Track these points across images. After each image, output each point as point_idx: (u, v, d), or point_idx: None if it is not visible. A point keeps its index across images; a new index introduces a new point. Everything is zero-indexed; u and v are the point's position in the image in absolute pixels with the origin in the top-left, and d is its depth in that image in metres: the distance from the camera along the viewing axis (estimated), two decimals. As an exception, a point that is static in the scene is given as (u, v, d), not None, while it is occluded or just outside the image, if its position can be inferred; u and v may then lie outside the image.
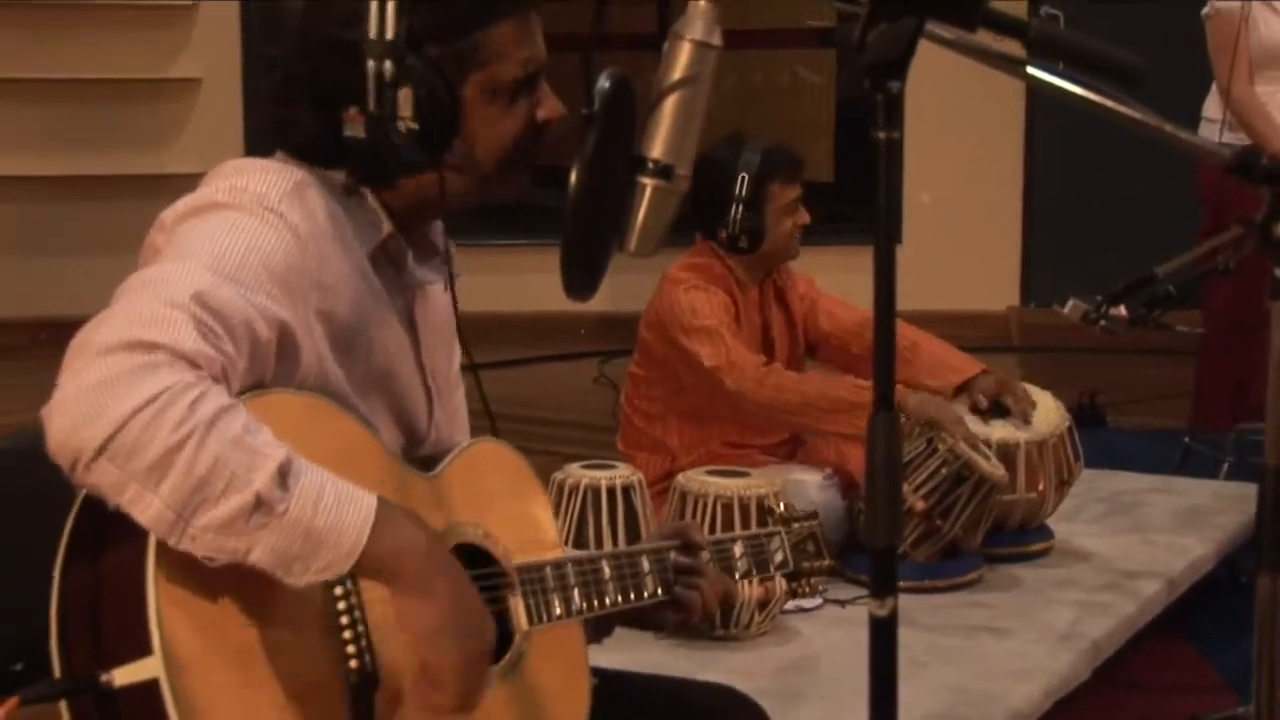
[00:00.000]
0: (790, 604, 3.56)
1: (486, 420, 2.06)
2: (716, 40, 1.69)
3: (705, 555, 2.15)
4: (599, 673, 2.03)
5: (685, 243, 4.10)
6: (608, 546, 3.33)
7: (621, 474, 3.56)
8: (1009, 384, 4.13)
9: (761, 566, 2.29)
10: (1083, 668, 3.45)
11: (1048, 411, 4.14)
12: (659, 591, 2.08)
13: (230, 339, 1.64)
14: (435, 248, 2.02)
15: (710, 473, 3.60)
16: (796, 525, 2.36)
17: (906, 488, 3.68)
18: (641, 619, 2.12)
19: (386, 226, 1.90)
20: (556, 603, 1.95)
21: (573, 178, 1.71)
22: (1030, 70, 1.68)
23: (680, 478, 3.61)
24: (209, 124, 7.96)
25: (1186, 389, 5.59)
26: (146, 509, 1.56)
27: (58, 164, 7.85)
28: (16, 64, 7.74)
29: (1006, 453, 3.98)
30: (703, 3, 1.68)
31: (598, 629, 2.10)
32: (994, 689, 3.24)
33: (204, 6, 7.96)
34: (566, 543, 3.37)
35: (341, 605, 1.70)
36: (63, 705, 1.64)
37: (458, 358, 2.13)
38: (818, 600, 3.65)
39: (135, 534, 1.59)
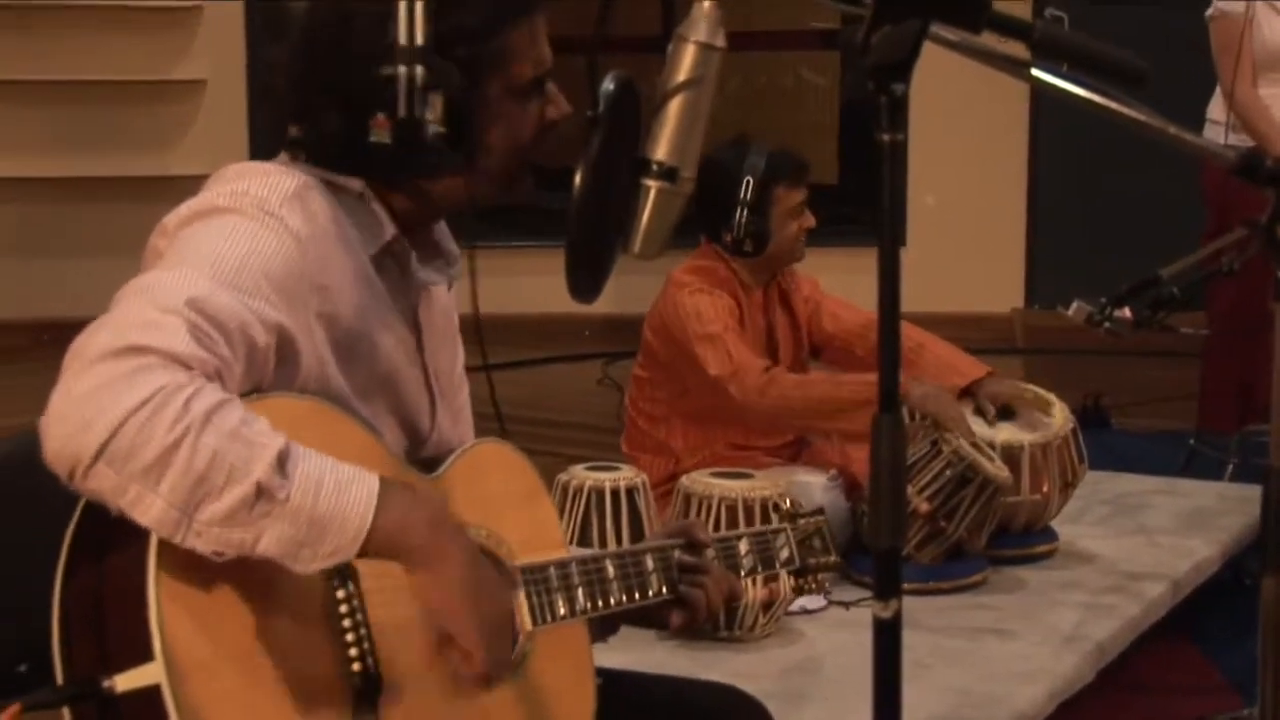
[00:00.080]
0: (795, 605, 3.56)
1: (492, 421, 2.06)
2: (720, 42, 1.69)
3: (710, 553, 2.15)
4: (602, 672, 2.03)
5: (689, 245, 4.10)
6: (611, 548, 3.33)
7: (625, 476, 3.56)
8: (1018, 395, 4.12)
9: (767, 563, 2.29)
10: (1087, 670, 3.44)
11: (1052, 413, 4.15)
12: (664, 590, 2.08)
13: (226, 343, 1.64)
14: (439, 249, 2.02)
15: (714, 474, 3.60)
16: (802, 521, 2.36)
17: (911, 490, 3.68)
18: (646, 618, 2.12)
19: (390, 229, 1.90)
20: (561, 602, 1.95)
21: (577, 180, 1.71)
22: (1034, 72, 1.68)
23: (684, 479, 3.61)
24: (213, 126, 7.96)
25: (1191, 391, 5.59)
26: (149, 509, 1.56)
27: (62, 165, 7.85)
28: (20, 65, 7.75)
29: (1011, 455, 3.98)
30: (706, 5, 1.68)
31: (603, 627, 2.10)
32: (998, 691, 3.24)
33: (209, 8, 7.96)
34: (571, 544, 3.37)
35: (344, 608, 1.71)
36: (65, 711, 1.64)
37: (461, 358, 2.13)
38: (822, 602, 3.65)
39: (136, 539, 1.60)
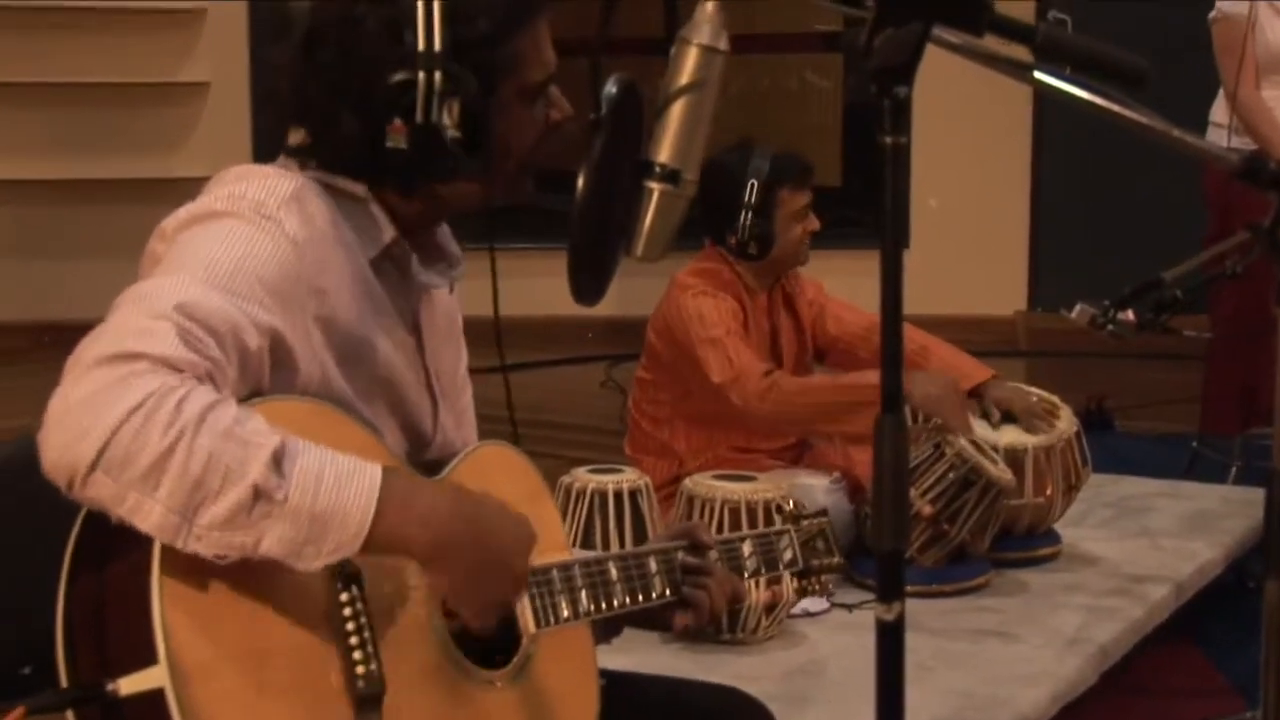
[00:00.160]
0: (797, 608, 3.56)
1: (500, 424, 2.06)
2: (723, 45, 1.69)
3: (713, 555, 2.15)
4: (605, 674, 2.03)
5: (693, 247, 4.10)
6: (614, 550, 3.33)
7: (628, 478, 3.57)
8: (1024, 401, 4.11)
9: (771, 565, 2.29)
10: (1090, 673, 3.44)
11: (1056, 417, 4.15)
12: (667, 592, 2.08)
13: (217, 345, 1.64)
14: (442, 251, 2.02)
15: (717, 477, 3.60)
16: (805, 523, 2.36)
17: (913, 492, 3.68)
18: (650, 619, 2.12)
19: (390, 232, 1.90)
20: (564, 605, 1.95)
21: (580, 182, 1.71)
22: (1037, 75, 1.68)
23: (687, 482, 3.61)
24: (216, 128, 7.97)
25: (1194, 394, 5.58)
26: (149, 516, 1.56)
27: (64, 167, 7.86)
28: (24, 67, 7.75)
29: (1014, 457, 3.98)
30: (710, 7, 1.68)
31: (606, 629, 2.10)
32: (1001, 694, 3.24)
33: (212, 11, 7.97)
34: (574, 546, 3.37)
35: (348, 611, 1.71)
36: (69, 714, 1.64)
37: (464, 359, 2.13)
38: (825, 604, 3.65)
39: (139, 543, 1.59)
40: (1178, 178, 5.29)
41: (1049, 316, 7.62)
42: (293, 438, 1.62)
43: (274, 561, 1.61)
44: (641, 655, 3.13)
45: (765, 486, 3.52)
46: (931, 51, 1.50)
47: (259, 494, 1.58)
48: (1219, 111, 5.25)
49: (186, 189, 1.85)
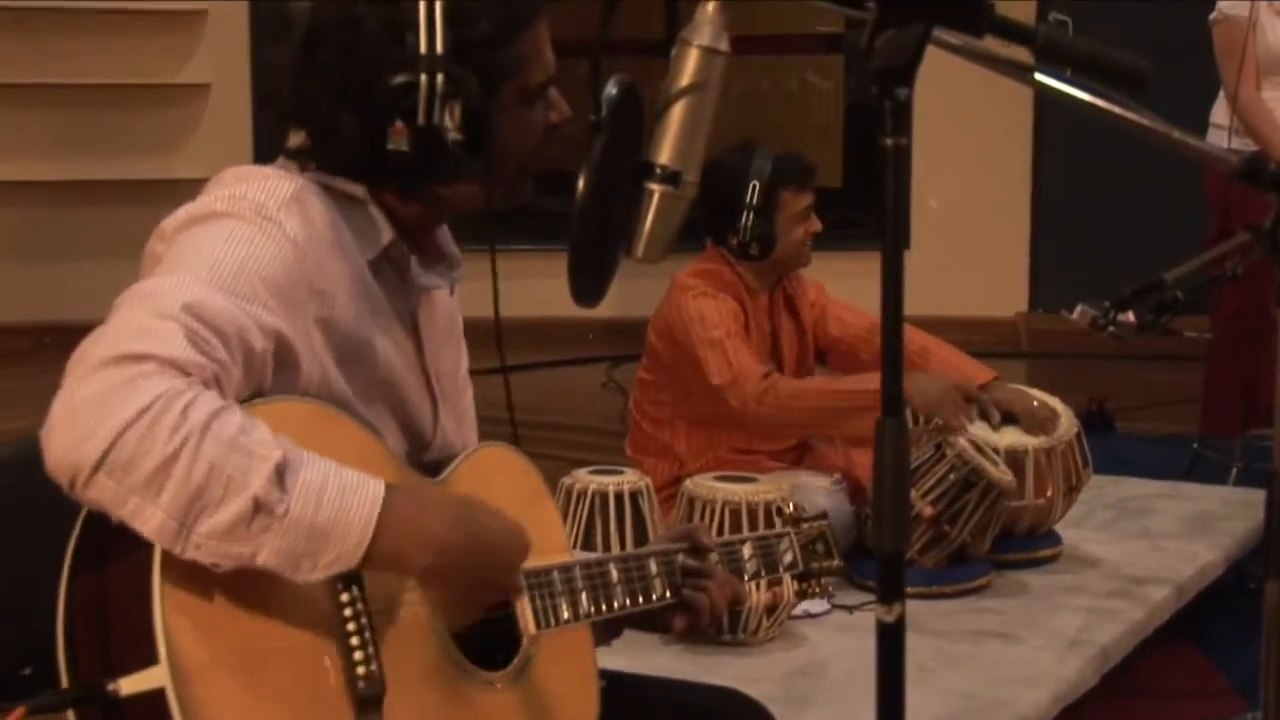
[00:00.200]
0: (798, 609, 3.56)
1: (501, 425, 2.06)
2: (724, 46, 1.68)
3: (713, 557, 2.15)
4: (605, 675, 2.03)
5: (694, 249, 4.10)
6: (615, 552, 3.33)
7: (629, 479, 3.57)
8: (1025, 403, 4.11)
9: (771, 567, 2.29)
10: (1091, 674, 3.44)
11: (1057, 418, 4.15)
12: (667, 594, 2.08)
13: (224, 347, 1.64)
14: (442, 253, 2.02)
15: (718, 478, 3.60)
16: (806, 525, 2.36)
17: (914, 493, 3.68)
18: (650, 621, 2.12)
19: (388, 234, 1.90)
20: (564, 606, 1.95)
21: (580, 184, 1.71)
22: (1038, 76, 1.68)
23: (688, 483, 3.61)
24: (217, 129, 7.96)
25: (1195, 395, 5.59)
26: (149, 521, 1.56)
27: (67, 169, 7.86)
28: (25, 69, 7.75)
29: (1015, 459, 3.98)
30: (710, 9, 1.68)
31: (606, 630, 2.10)
32: (1002, 695, 3.24)
33: (213, 12, 7.96)
34: (574, 548, 3.37)
35: (348, 611, 1.70)
36: (70, 714, 1.64)
37: (465, 361, 2.13)
38: (826, 605, 3.65)
39: (141, 543, 1.59)
40: (1179, 179, 5.29)
41: (1050, 318, 7.61)
42: (296, 449, 1.62)
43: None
44: (642, 656, 3.13)
45: (766, 488, 3.52)
46: (932, 53, 1.50)
47: (259, 507, 1.58)
48: (1219, 113, 5.25)
49: (187, 190, 1.85)
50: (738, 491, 3.49)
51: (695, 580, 2.11)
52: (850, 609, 3.66)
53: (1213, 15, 5.19)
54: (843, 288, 4.39)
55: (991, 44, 1.58)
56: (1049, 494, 4.06)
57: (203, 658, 1.61)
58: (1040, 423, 4.09)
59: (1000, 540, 3.95)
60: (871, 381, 3.61)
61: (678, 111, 1.68)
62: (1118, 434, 6.18)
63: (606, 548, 3.42)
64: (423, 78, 1.79)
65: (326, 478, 1.63)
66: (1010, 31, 1.55)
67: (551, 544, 1.99)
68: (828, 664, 3.40)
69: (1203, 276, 3.73)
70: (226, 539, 1.58)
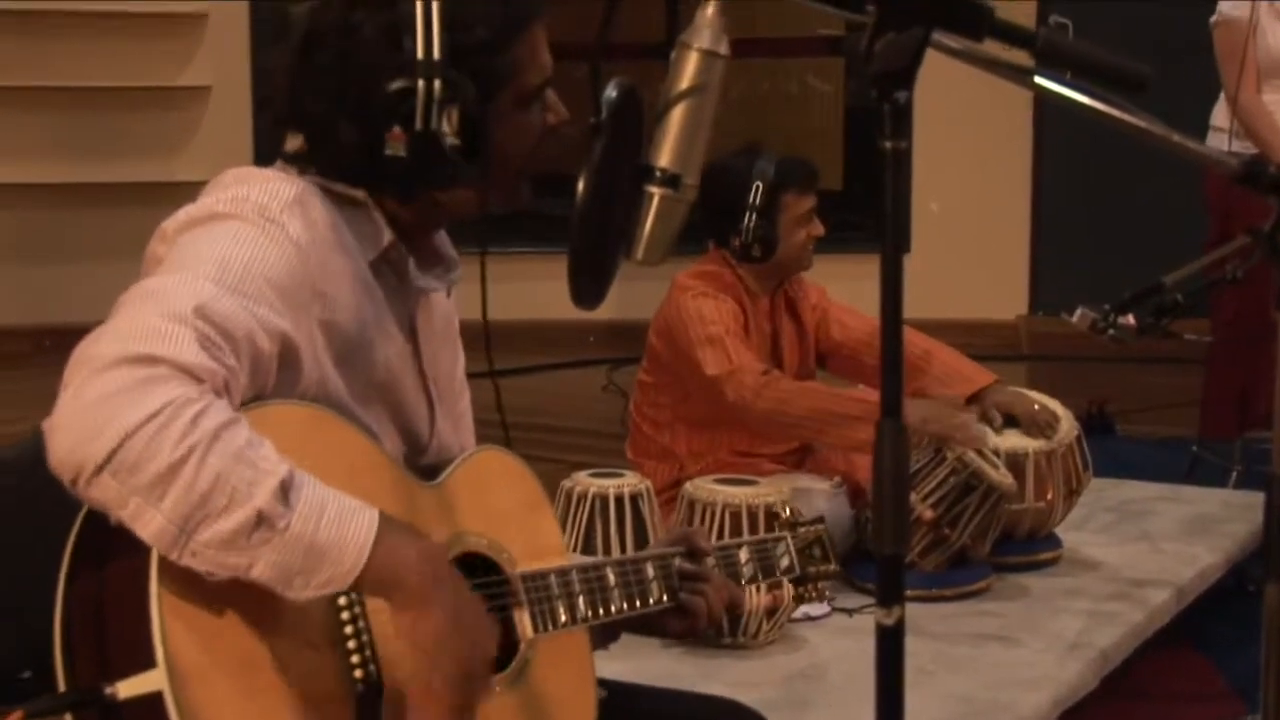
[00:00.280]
0: (798, 612, 3.56)
1: (497, 429, 2.06)
2: (724, 49, 1.68)
3: (710, 561, 2.15)
4: (602, 683, 2.03)
5: (695, 252, 4.10)
6: (615, 555, 3.33)
7: (629, 482, 3.57)
8: (1025, 406, 4.11)
9: (768, 571, 2.29)
10: (1091, 677, 3.44)
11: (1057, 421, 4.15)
12: (664, 598, 2.08)
13: (233, 352, 1.64)
14: (439, 255, 2.02)
15: (718, 481, 3.59)
16: (803, 530, 2.36)
17: (915, 496, 3.68)
18: (648, 624, 2.12)
19: (388, 236, 1.89)
20: (561, 610, 1.95)
21: (580, 187, 1.71)
22: (1038, 80, 1.68)
23: (688, 486, 3.61)
24: (218, 132, 7.97)
25: (1195, 398, 5.59)
26: (149, 524, 1.56)
27: (67, 171, 7.86)
28: (26, 71, 7.76)
29: (1015, 462, 3.98)
30: (710, 12, 1.68)
31: (604, 634, 2.10)
32: (1002, 698, 3.24)
33: (214, 14, 7.97)
34: (575, 551, 3.37)
35: (346, 615, 1.70)
36: (67, 718, 1.64)
37: (462, 363, 2.13)
38: (825, 609, 3.65)
39: (138, 546, 1.59)
40: (1179, 182, 5.28)
41: (1050, 320, 7.62)
42: (300, 470, 1.62)
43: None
44: (642, 661, 3.13)
45: (766, 491, 3.52)
46: (932, 55, 1.50)
47: (262, 519, 1.58)
48: (1220, 115, 5.25)
49: (188, 193, 1.84)
50: (738, 494, 3.49)
51: (692, 584, 2.11)
52: (850, 612, 3.66)
53: (1213, 18, 5.19)
54: (842, 291, 4.39)
55: (991, 47, 1.58)
56: (1049, 497, 4.06)
57: (200, 660, 1.61)
58: (1040, 426, 4.09)
59: (1000, 543, 3.95)
60: (872, 394, 3.61)
61: (677, 115, 1.68)
62: (1118, 437, 6.18)
63: (607, 551, 3.42)
64: (420, 83, 1.79)
65: (326, 502, 1.63)
66: (1010, 35, 1.55)
67: (548, 548, 1.99)
68: (827, 667, 3.40)
69: (1203, 279, 3.74)
70: (225, 549, 1.58)
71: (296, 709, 1.67)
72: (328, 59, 1.82)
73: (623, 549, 3.42)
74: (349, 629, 1.70)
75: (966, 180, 8.17)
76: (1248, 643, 3.77)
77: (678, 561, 2.11)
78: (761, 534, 2.47)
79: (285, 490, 1.59)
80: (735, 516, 3.45)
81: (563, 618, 1.95)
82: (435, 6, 1.79)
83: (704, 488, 3.55)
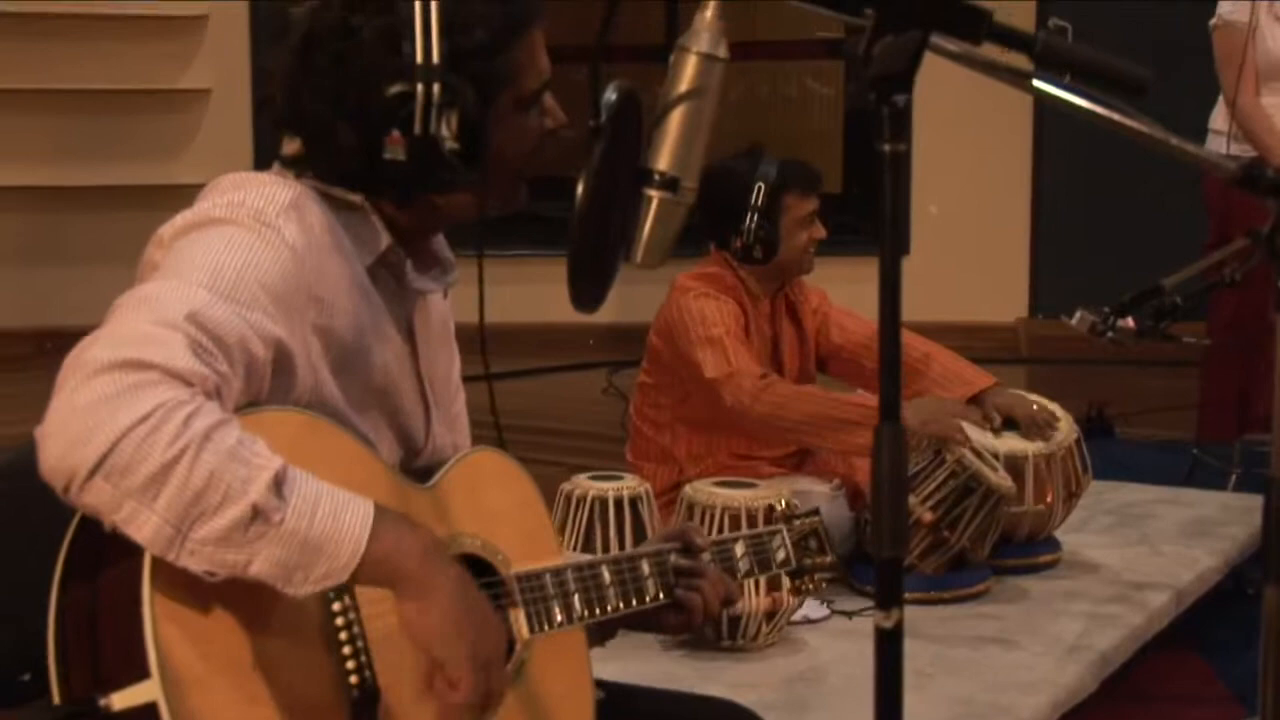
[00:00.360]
0: (797, 615, 3.56)
1: (492, 431, 2.06)
2: (723, 52, 1.68)
3: (706, 556, 2.15)
4: (600, 685, 2.03)
5: (696, 254, 4.10)
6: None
7: (629, 485, 3.57)
8: (1025, 408, 4.11)
9: (764, 565, 2.28)
10: (1090, 679, 3.44)
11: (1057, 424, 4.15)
12: (660, 595, 2.08)
13: (225, 358, 1.64)
14: (436, 257, 2.02)
15: (718, 484, 3.60)
16: (798, 522, 2.36)
17: (914, 499, 3.68)
18: (644, 621, 2.12)
19: (385, 239, 1.90)
20: (557, 610, 1.95)
21: (579, 189, 1.71)
22: (1036, 83, 1.68)
23: (688, 488, 3.61)
24: (218, 135, 7.97)
25: (1194, 400, 5.59)
26: (144, 525, 1.56)
27: (68, 174, 7.86)
28: (27, 74, 7.76)
29: (1014, 464, 3.98)
30: (709, 15, 1.68)
31: (601, 632, 2.10)
32: (1001, 700, 3.24)
33: (214, 17, 7.97)
34: (575, 553, 3.37)
35: (340, 621, 1.70)
36: (62, 729, 1.64)
37: (457, 365, 2.13)
38: (825, 611, 3.65)
39: (131, 554, 1.59)
40: (1178, 184, 5.29)
41: (1049, 323, 7.63)
42: (293, 466, 1.62)
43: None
44: (641, 662, 3.13)
45: (766, 493, 3.52)
46: (932, 58, 1.50)
47: (257, 513, 1.58)
48: (1219, 118, 5.25)
49: (188, 196, 1.84)
50: (737, 497, 3.49)
51: (688, 580, 2.11)
52: (849, 614, 3.66)
53: (1212, 21, 5.20)
54: (842, 293, 4.39)
55: (990, 50, 1.58)
56: (1049, 499, 4.06)
57: (195, 668, 1.60)
58: (1040, 428, 4.09)
59: (1000, 546, 3.95)
60: (871, 399, 3.61)
61: (676, 118, 1.68)
62: (1117, 439, 6.19)
63: (606, 553, 3.42)
64: (419, 87, 1.79)
65: (320, 495, 1.63)
66: (1009, 38, 1.56)
67: (542, 548, 1.99)
68: (827, 670, 3.40)
69: (1202, 282, 3.74)
70: (222, 545, 1.57)
71: (292, 715, 1.66)
72: (327, 62, 1.82)
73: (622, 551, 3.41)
74: (344, 634, 1.70)
75: (966, 183, 8.17)
76: (1247, 646, 3.78)
77: (673, 558, 2.11)
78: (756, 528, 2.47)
79: (279, 484, 1.59)
80: (734, 519, 3.44)
81: (558, 617, 1.95)
82: (434, 10, 1.79)
83: (703, 490, 3.55)
